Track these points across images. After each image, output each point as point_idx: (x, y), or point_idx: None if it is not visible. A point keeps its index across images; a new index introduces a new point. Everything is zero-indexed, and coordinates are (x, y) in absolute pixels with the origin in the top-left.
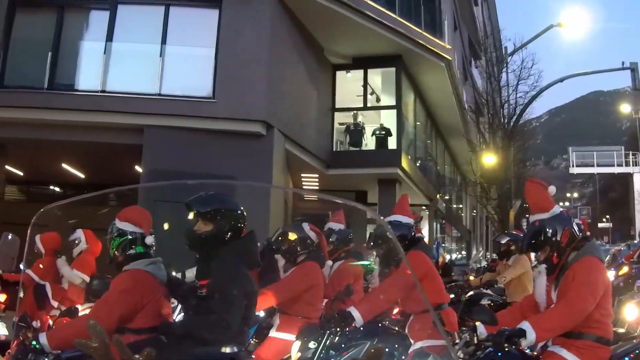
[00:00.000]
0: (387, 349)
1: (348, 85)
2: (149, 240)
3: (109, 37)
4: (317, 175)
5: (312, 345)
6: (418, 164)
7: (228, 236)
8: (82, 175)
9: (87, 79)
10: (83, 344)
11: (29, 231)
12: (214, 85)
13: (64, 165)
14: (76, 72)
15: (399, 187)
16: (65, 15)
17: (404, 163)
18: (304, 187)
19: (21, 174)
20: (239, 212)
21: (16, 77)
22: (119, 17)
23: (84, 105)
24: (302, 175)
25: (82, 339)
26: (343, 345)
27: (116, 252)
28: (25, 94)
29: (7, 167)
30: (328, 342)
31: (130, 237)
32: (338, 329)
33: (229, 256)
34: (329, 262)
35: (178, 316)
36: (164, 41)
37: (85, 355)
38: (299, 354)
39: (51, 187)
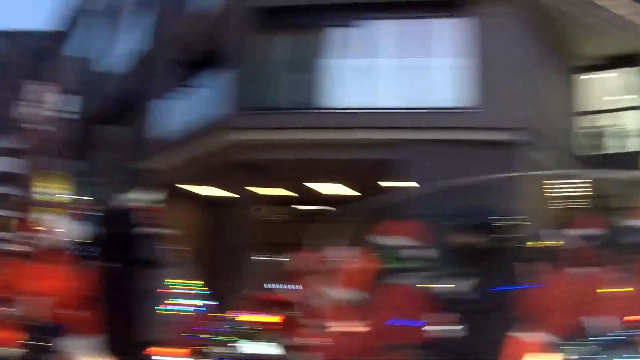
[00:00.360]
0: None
1: (596, 87)
2: (420, 252)
3: (369, 54)
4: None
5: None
6: None
7: (501, 248)
8: (336, 193)
9: (347, 96)
10: None
11: (303, 246)
12: (475, 95)
13: (327, 184)
14: (335, 90)
15: None
16: (318, 34)
17: None
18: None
19: (276, 194)
20: (512, 222)
21: (268, 100)
22: (375, 33)
23: (345, 123)
24: (562, 182)
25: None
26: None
27: (386, 266)
28: (279, 115)
29: (262, 188)
30: (582, 351)
31: (400, 250)
32: (588, 338)
33: (504, 269)
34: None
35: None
36: (420, 54)
37: None
38: None
39: (315, 207)
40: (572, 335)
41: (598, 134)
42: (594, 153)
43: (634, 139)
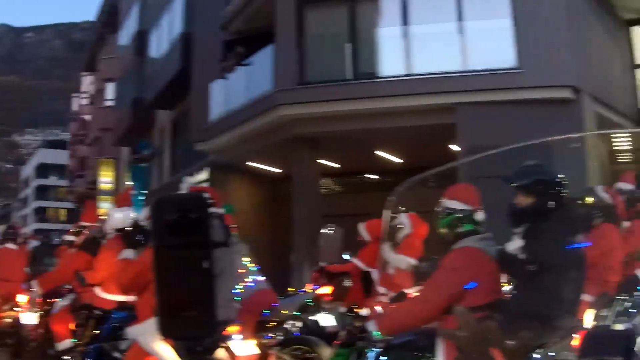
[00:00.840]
0: None
1: None
2: (478, 216)
3: (405, 21)
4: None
5: (604, 313)
6: None
7: (550, 207)
8: (396, 161)
9: (389, 65)
10: (450, 333)
11: (367, 216)
12: (517, 55)
13: (377, 153)
14: (377, 59)
15: None
16: (358, 6)
17: None
18: (616, 148)
19: (335, 165)
20: (558, 180)
21: (317, 73)
22: (411, 1)
23: (390, 91)
24: (613, 136)
25: (447, 328)
26: (634, 310)
27: (445, 230)
28: (329, 87)
29: (321, 160)
30: (619, 308)
31: (459, 214)
32: (628, 294)
33: (553, 227)
34: (626, 223)
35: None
36: (460, 18)
37: (418, 340)
38: (593, 322)
39: (366, 176)
40: (621, 290)
41: None
42: None
43: None
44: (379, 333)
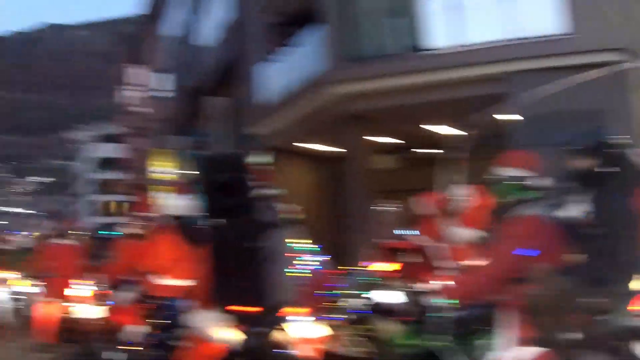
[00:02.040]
0: None
1: None
2: (538, 182)
3: None
4: None
5: None
6: None
7: (612, 169)
8: (457, 133)
9: (439, 37)
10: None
11: (423, 190)
12: (569, 19)
13: (431, 127)
14: (426, 32)
15: None
16: None
17: None
18: None
19: (389, 141)
20: (618, 142)
21: (368, 49)
22: None
23: (442, 64)
24: None
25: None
26: None
27: (504, 199)
28: (380, 63)
29: (374, 137)
30: None
31: (517, 181)
32: None
33: (616, 190)
34: None
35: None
36: None
37: (486, 311)
38: None
39: (422, 151)
40: None
41: None
42: None
43: None
44: (454, 301)
